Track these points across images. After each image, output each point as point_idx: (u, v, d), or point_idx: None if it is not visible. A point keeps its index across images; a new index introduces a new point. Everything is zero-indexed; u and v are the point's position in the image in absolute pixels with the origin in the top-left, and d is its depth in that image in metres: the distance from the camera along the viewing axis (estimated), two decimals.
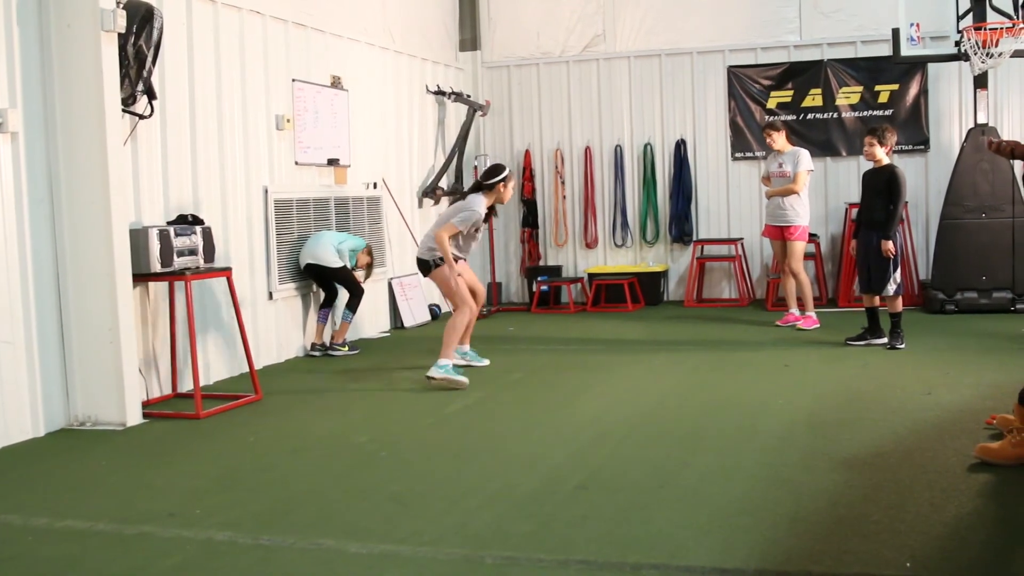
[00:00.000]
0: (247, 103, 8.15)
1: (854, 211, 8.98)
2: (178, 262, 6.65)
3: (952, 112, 11.16)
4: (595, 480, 4.71)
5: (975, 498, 4.24)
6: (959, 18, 9.85)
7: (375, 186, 10.09)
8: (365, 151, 10.01)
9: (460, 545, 3.87)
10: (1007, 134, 10.72)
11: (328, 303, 8.75)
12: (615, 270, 11.94)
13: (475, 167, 12.15)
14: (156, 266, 6.50)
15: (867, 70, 11.30)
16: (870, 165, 8.33)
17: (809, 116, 11.53)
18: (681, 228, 11.95)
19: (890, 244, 7.94)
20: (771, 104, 11.61)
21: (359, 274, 8.84)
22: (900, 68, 10.97)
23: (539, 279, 11.84)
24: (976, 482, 4.43)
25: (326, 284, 8.72)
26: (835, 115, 11.46)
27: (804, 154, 9.44)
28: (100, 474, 5.22)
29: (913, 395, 6.29)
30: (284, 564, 3.78)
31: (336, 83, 9.51)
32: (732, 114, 11.79)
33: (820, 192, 11.35)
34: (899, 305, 8.10)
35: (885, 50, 10.68)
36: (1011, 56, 9.41)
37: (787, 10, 11.52)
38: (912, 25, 9.98)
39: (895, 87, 11.24)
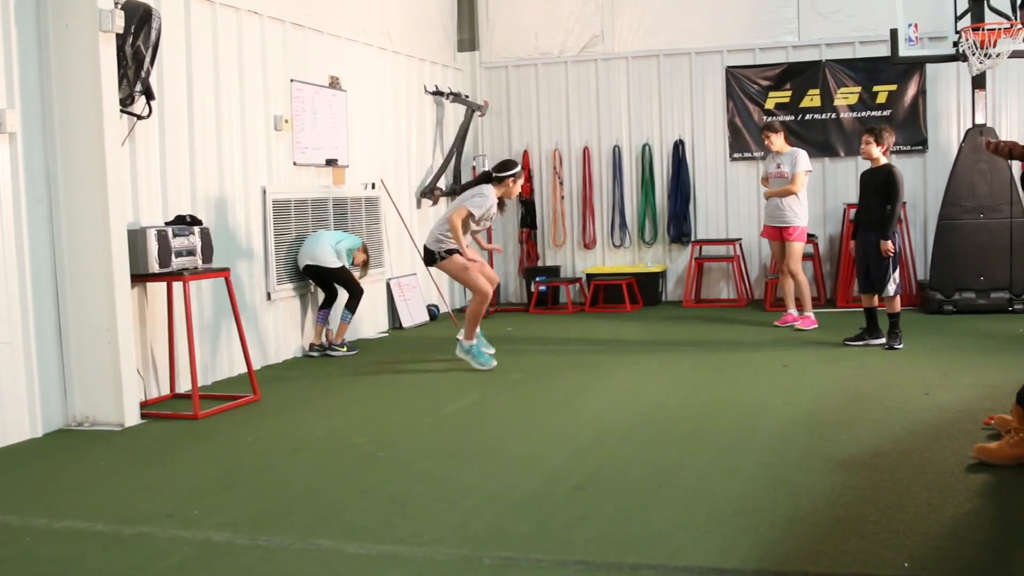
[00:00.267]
0: (245, 103, 8.15)
1: (852, 211, 8.99)
2: (176, 263, 6.65)
3: (950, 112, 11.17)
4: (594, 480, 4.71)
5: (973, 498, 4.24)
6: (957, 19, 9.86)
7: (373, 186, 10.09)
8: (363, 151, 10.01)
9: (459, 545, 3.87)
10: (1005, 134, 10.73)
11: (328, 304, 8.75)
12: (613, 270, 11.94)
13: (473, 167, 12.15)
14: (154, 267, 6.50)
15: (865, 71, 11.31)
16: (868, 165, 8.33)
17: (807, 117, 11.54)
18: (679, 228, 11.95)
19: (889, 244, 7.94)
20: (769, 105, 11.62)
21: (355, 272, 8.83)
22: (898, 69, 10.98)
23: (537, 279, 11.84)
24: (974, 482, 4.44)
25: (325, 285, 8.71)
26: (833, 116, 11.47)
27: (802, 155, 9.45)
28: (98, 474, 5.22)
29: (911, 395, 6.29)
30: (282, 564, 3.78)
31: (334, 83, 9.51)
32: (730, 114, 11.80)
33: (818, 193, 11.36)
34: (897, 305, 8.11)
35: (883, 51, 10.69)
36: (1009, 57, 9.42)
37: (785, 11, 11.53)
38: (910, 26, 9.99)
39: (893, 88, 11.25)
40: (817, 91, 11.48)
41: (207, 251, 6.94)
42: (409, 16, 11.16)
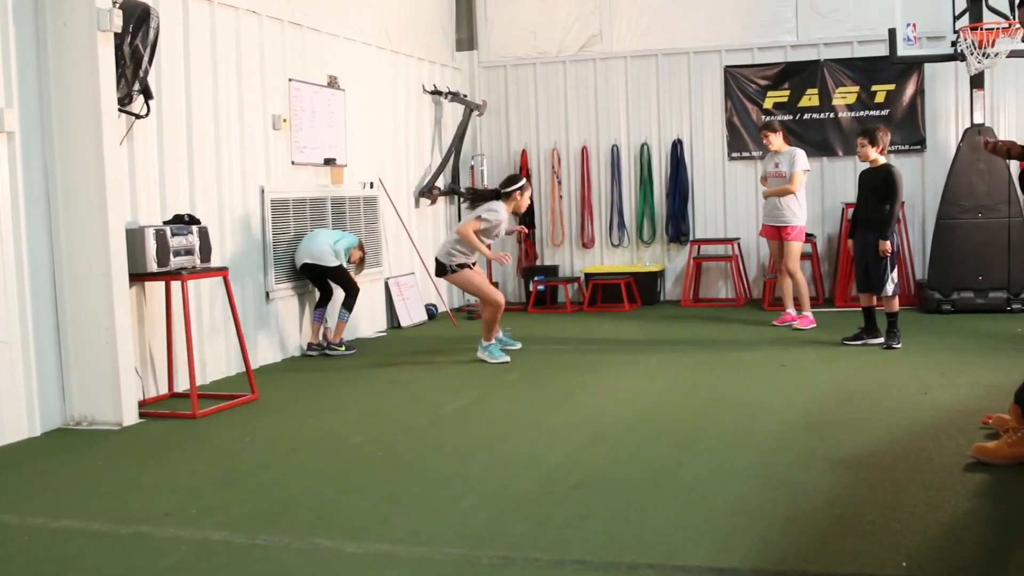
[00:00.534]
0: (243, 103, 8.14)
1: (851, 211, 8.99)
2: (174, 262, 6.65)
3: (948, 112, 11.17)
4: (591, 480, 4.71)
5: (971, 498, 4.24)
6: (955, 18, 9.86)
7: (371, 186, 10.09)
8: (361, 151, 10.00)
9: (456, 545, 3.87)
10: (1003, 134, 10.74)
11: (324, 302, 8.75)
12: (612, 270, 11.94)
13: (471, 167, 12.16)
14: (152, 266, 6.50)
15: (863, 70, 11.31)
16: (866, 165, 8.33)
17: (806, 116, 11.54)
18: (678, 228, 11.95)
19: (887, 244, 7.94)
20: (768, 104, 11.63)
21: (350, 270, 8.83)
22: (896, 68, 10.98)
23: (536, 279, 11.84)
24: (972, 482, 4.44)
25: (322, 283, 8.71)
26: (831, 115, 11.48)
27: (800, 154, 9.45)
28: (96, 474, 5.22)
29: (909, 395, 6.29)
30: (280, 564, 3.78)
31: (333, 83, 9.51)
32: (728, 114, 11.80)
33: (817, 192, 11.36)
34: (895, 305, 8.11)
35: (881, 50, 10.69)
36: (1007, 56, 9.42)
37: (784, 10, 11.53)
38: (908, 25, 9.99)
39: (891, 87, 11.25)
40: (815, 91, 11.48)
41: (205, 250, 6.94)
42: (407, 15, 11.15)
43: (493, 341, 8.18)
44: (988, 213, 9.92)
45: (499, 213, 8.07)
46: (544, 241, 12.56)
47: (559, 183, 12.40)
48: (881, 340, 8.19)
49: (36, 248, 6.09)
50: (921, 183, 11.23)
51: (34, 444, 5.88)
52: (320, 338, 8.78)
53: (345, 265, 8.67)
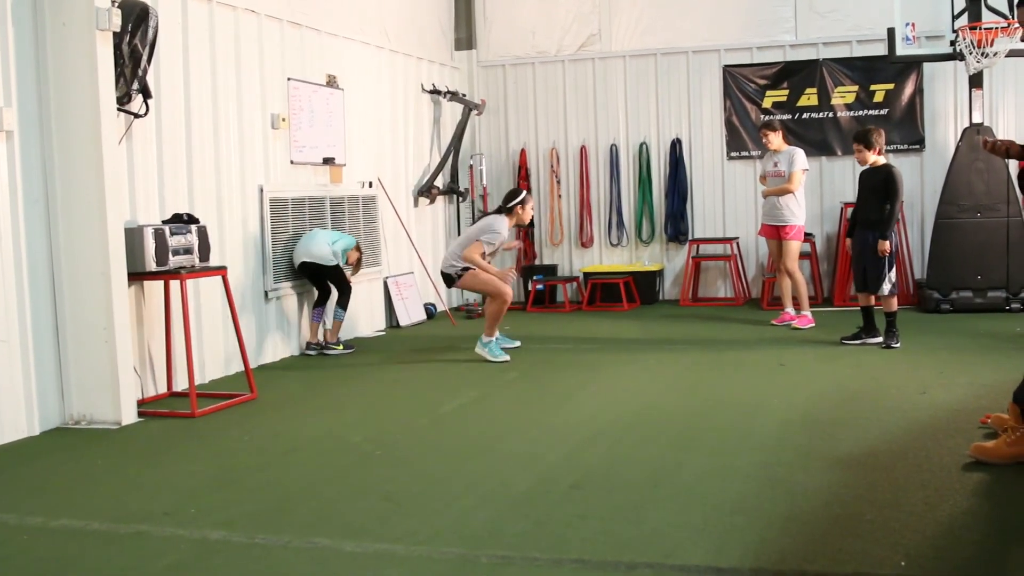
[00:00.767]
0: (242, 102, 8.14)
1: (849, 210, 9.00)
2: (173, 261, 6.64)
3: (947, 112, 11.17)
4: (590, 479, 4.71)
5: (970, 497, 4.25)
6: (954, 18, 9.87)
7: (370, 185, 10.09)
8: (360, 150, 10.00)
9: (455, 544, 3.87)
10: (1002, 133, 10.74)
11: (322, 302, 8.75)
12: (610, 269, 11.94)
13: (470, 166, 12.15)
14: (151, 265, 6.49)
15: (862, 70, 11.31)
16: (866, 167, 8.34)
17: (804, 116, 11.54)
18: (676, 227, 11.95)
19: (886, 244, 7.94)
20: (766, 103, 11.63)
21: (347, 271, 8.83)
22: (895, 68, 10.98)
23: (535, 278, 11.84)
24: (971, 481, 4.44)
25: (320, 283, 8.71)
26: (830, 115, 11.48)
27: (799, 153, 9.46)
28: (95, 473, 5.22)
29: (908, 394, 6.30)
30: (279, 563, 3.78)
31: (331, 82, 9.51)
32: (727, 113, 11.80)
33: (815, 191, 11.37)
34: (894, 304, 8.11)
35: (880, 50, 10.68)
36: (1006, 56, 9.43)
37: (783, 10, 11.53)
38: (907, 25, 9.99)
39: (890, 87, 11.25)
40: (814, 90, 11.48)
41: (204, 249, 6.94)
42: (406, 15, 11.15)
43: (494, 338, 8.19)
44: (987, 212, 9.92)
45: (500, 232, 8.24)
46: (543, 240, 12.57)
47: (558, 182, 12.40)
48: (880, 339, 8.19)
49: (35, 247, 6.09)
50: (920, 182, 11.23)
51: (33, 443, 5.88)
52: (319, 337, 8.78)
53: (342, 266, 8.67)
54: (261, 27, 8.40)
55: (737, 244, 11.62)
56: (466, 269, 8.22)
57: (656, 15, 11.93)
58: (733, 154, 11.84)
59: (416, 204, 11.23)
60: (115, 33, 6.24)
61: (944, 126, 11.20)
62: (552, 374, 7.55)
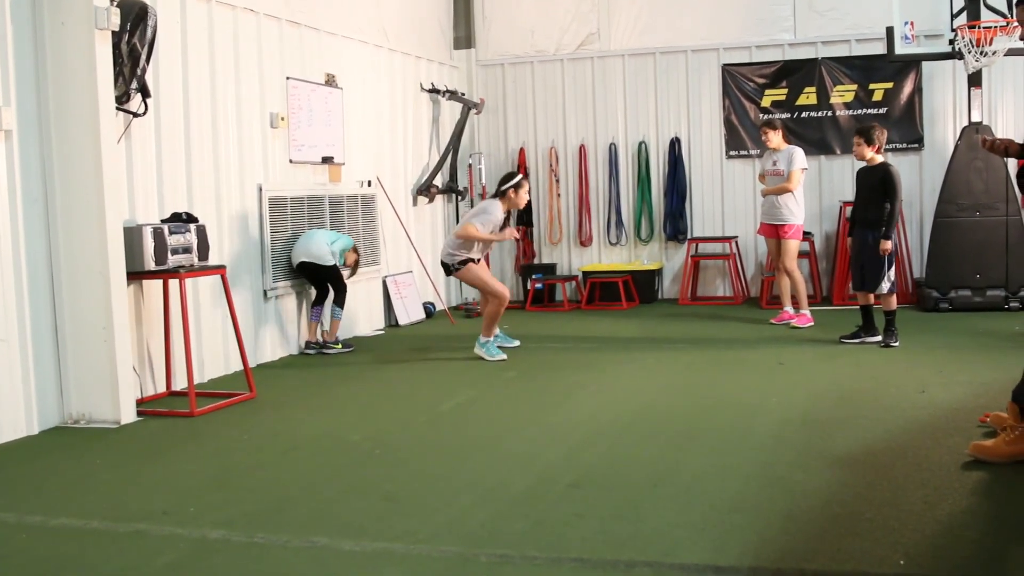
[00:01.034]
0: (241, 101, 8.14)
1: (848, 209, 9.00)
2: (172, 260, 6.64)
3: (946, 110, 11.18)
4: (589, 478, 4.71)
5: (969, 496, 4.25)
6: (953, 16, 9.87)
7: (369, 184, 10.09)
8: (359, 149, 10.00)
9: (454, 543, 3.87)
10: (1001, 132, 10.75)
11: (319, 301, 8.75)
12: (609, 268, 11.94)
13: (469, 165, 12.15)
14: (150, 264, 6.49)
15: (861, 68, 11.31)
16: (864, 163, 8.34)
17: (803, 114, 11.54)
18: (675, 226, 11.95)
19: (888, 244, 7.94)
20: (765, 102, 11.63)
21: (344, 271, 8.82)
22: (894, 66, 10.98)
23: (533, 277, 11.84)
24: (970, 480, 4.44)
25: (318, 282, 8.71)
26: (829, 113, 11.48)
27: (798, 152, 9.45)
28: (94, 472, 5.21)
29: (907, 393, 6.30)
30: (278, 562, 3.78)
31: (330, 81, 9.50)
32: (726, 112, 11.80)
33: (814, 190, 11.37)
34: (893, 303, 8.11)
35: (879, 48, 10.69)
36: (1005, 55, 9.44)
37: (781, 8, 11.53)
38: (906, 23, 9.99)
39: (889, 85, 11.25)
40: (813, 89, 11.48)
41: (203, 248, 6.94)
42: (405, 14, 11.15)
43: (492, 338, 8.20)
44: (986, 211, 9.92)
45: (494, 215, 8.14)
46: (542, 239, 12.56)
47: (557, 181, 12.40)
48: (879, 338, 8.19)
49: (34, 246, 6.08)
50: (919, 181, 11.23)
51: (32, 442, 5.87)
52: (317, 336, 8.78)
53: (340, 266, 8.67)
54: (260, 26, 8.40)
55: (736, 243, 11.62)
56: (464, 262, 8.19)
57: (655, 14, 11.92)
58: (732, 153, 11.84)
59: (415, 203, 11.23)
60: (114, 32, 6.23)
61: (943, 125, 11.20)
62: (551, 373, 7.55)
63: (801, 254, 10.17)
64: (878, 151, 8.16)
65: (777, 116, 11.02)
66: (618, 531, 3.93)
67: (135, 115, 6.73)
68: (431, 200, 11.37)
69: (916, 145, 11.24)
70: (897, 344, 8.05)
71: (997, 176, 9.87)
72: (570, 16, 12.23)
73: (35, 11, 6.09)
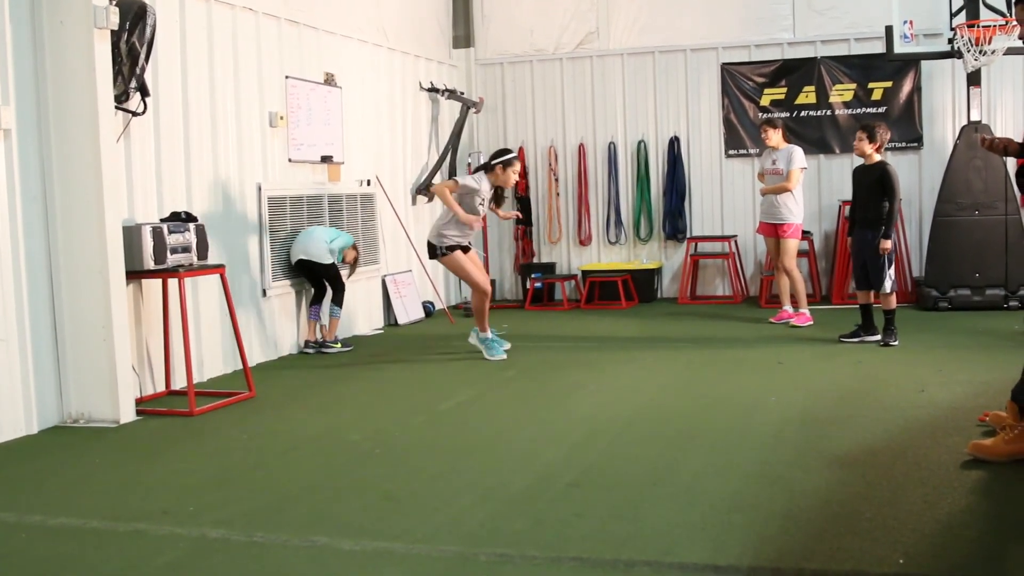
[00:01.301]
0: (240, 100, 8.14)
1: (847, 208, 9.00)
2: (172, 259, 6.64)
3: (945, 109, 11.18)
4: (588, 478, 4.71)
5: (968, 495, 4.25)
6: (952, 15, 9.87)
7: (368, 183, 10.08)
8: (358, 148, 10.00)
9: (453, 542, 3.87)
10: (1000, 131, 10.74)
11: (318, 300, 8.75)
12: (609, 267, 11.94)
13: (468, 164, 12.13)
14: (149, 263, 6.49)
15: (860, 67, 11.32)
16: (861, 161, 8.33)
17: (803, 113, 11.54)
18: (675, 225, 11.95)
19: (888, 243, 7.94)
20: (764, 101, 11.63)
21: (343, 270, 8.82)
22: (893, 65, 10.98)
23: (533, 276, 11.84)
24: (969, 479, 4.45)
25: (316, 280, 8.71)
26: (828, 112, 11.48)
27: (797, 151, 9.46)
28: (93, 471, 5.21)
29: (906, 392, 6.30)
30: (277, 561, 3.78)
31: (329, 80, 9.50)
32: (725, 111, 11.80)
33: (814, 189, 11.37)
34: (893, 302, 8.11)
35: (878, 47, 10.69)
36: (1004, 54, 9.44)
37: (780, 7, 11.53)
38: (905, 22, 9.99)
39: (888, 84, 11.25)
40: (812, 88, 11.48)
41: (202, 248, 6.94)
42: (404, 13, 11.14)
43: (489, 333, 8.18)
44: (985, 210, 9.93)
45: (475, 182, 7.99)
46: (541, 238, 12.56)
47: (556, 180, 12.39)
48: (878, 337, 8.19)
49: (33, 246, 6.08)
50: (918, 180, 11.24)
51: (31, 442, 5.87)
52: (317, 335, 8.78)
53: (338, 264, 8.67)
54: (259, 25, 8.39)
55: (735, 242, 11.62)
56: (452, 248, 8.04)
57: (654, 13, 11.92)
58: (731, 152, 11.84)
59: (414, 202, 11.23)
60: (113, 31, 6.23)
61: (942, 124, 11.20)
62: (550, 372, 7.55)
63: (800, 253, 10.17)
64: (878, 150, 8.16)
65: (778, 115, 11.01)
66: (618, 530, 3.93)
67: (134, 114, 6.73)
68: (430, 199, 11.37)
69: (915, 144, 11.24)
70: (896, 343, 8.05)
71: (996, 175, 9.87)
72: (569, 15, 12.23)
73: (34, 10, 6.08)
